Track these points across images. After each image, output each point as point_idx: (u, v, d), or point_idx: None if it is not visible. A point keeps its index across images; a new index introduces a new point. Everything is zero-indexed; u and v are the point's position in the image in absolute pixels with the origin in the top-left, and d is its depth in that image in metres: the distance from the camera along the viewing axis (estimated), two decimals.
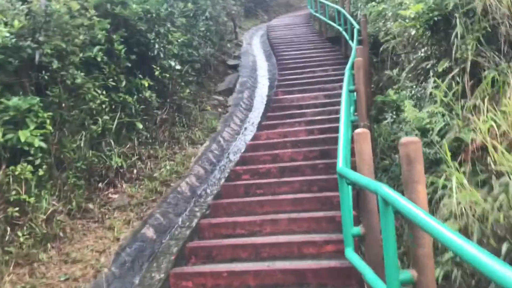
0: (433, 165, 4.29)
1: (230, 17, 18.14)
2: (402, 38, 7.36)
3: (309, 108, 9.31)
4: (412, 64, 6.13)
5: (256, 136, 8.20)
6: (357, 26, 9.67)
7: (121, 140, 7.26)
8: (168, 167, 7.38)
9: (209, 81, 12.18)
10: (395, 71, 6.52)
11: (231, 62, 14.14)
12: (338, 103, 9.31)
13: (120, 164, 6.85)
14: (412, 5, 5.32)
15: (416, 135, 4.62)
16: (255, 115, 10.51)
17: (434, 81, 5.26)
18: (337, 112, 8.98)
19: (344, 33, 12.54)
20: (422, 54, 5.66)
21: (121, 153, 7.06)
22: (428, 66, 5.55)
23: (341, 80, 10.98)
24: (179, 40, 9.33)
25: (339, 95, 9.89)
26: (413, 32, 5.25)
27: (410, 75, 6.21)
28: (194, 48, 10.89)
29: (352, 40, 11.53)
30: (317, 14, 16.80)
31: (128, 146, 7.31)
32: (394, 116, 5.42)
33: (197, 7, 10.66)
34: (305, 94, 10.16)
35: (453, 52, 4.78)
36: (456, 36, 4.74)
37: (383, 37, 9.78)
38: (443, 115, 4.58)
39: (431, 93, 5.36)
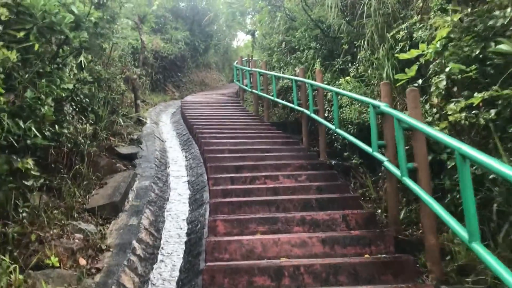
0: None
1: (130, 84, 12.74)
2: None
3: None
4: None
5: None
6: (384, 107, 4.81)
7: None
8: None
9: (75, 185, 6.27)
10: None
11: (124, 150, 8.40)
12: (366, 269, 3.97)
13: None
14: None
15: None
16: (165, 276, 4.74)
17: None
18: None
19: (316, 117, 7.68)
20: None
21: None
22: None
23: (333, 201, 5.90)
24: None
25: (350, 241, 4.65)
26: None
27: None
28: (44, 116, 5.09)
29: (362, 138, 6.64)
30: (256, 92, 12.04)
31: None
32: None
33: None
34: (278, 234, 4.76)
35: None
36: None
37: None
38: None
39: None
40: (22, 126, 4.44)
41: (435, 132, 3.56)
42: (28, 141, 4.75)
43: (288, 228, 4.97)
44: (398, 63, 7.85)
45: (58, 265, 4.32)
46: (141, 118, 11.50)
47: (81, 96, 7.96)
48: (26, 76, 4.80)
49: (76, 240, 4.86)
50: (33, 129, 4.59)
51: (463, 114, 4.61)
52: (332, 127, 6.80)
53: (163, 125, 12.34)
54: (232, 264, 4.15)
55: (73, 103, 7.50)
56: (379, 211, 5.99)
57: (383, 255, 4.27)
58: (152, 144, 9.25)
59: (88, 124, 7.81)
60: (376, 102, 5.12)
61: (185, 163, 8.50)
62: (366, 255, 4.28)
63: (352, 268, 4.04)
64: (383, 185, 6.80)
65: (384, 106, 4.85)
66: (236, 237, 4.64)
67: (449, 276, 4.08)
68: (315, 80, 8.26)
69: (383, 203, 6.19)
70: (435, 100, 4.86)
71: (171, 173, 7.96)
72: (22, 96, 4.79)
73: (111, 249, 4.90)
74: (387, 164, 4.74)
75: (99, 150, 7.52)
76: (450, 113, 4.88)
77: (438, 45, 5.38)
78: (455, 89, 4.91)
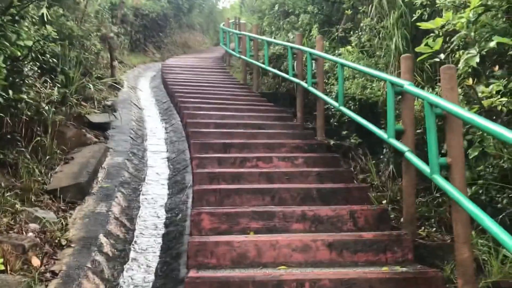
0: None
1: (107, 43, 11.54)
2: None
3: None
4: None
5: None
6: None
7: None
8: None
9: (35, 161, 5.35)
10: None
11: (96, 118, 7.42)
12: None
13: None
14: None
15: None
16: (137, 280, 3.93)
17: None
18: None
19: (314, 91, 6.82)
20: None
21: None
22: None
23: (337, 192, 5.10)
24: None
25: (362, 246, 3.87)
26: None
27: None
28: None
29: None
30: (245, 58, 11.03)
31: None
32: None
33: None
34: (274, 233, 3.99)
35: None
36: None
37: None
38: None
39: None
40: None
41: (491, 124, 2.75)
42: None
43: (286, 225, 4.19)
44: (409, 34, 7.03)
45: (2, 268, 3.47)
46: (116, 82, 10.42)
47: (48, 56, 6.89)
48: None
49: (30, 233, 3.98)
50: None
51: (505, 99, 3.85)
52: (335, 104, 5.97)
53: (141, 90, 11.30)
54: (221, 276, 3.36)
55: (36, 63, 6.41)
56: (384, 201, 5.29)
57: (405, 268, 3.54)
58: (128, 112, 8.28)
59: (55, 88, 6.76)
60: (397, 80, 4.29)
61: (164, 136, 7.59)
62: (385, 268, 3.54)
63: (369, 285, 3.31)
64: (385, 169, 6.10)
65: (408, 85, 4.02)
66: (225, 237, 3.84)
67: None
68: (313, 48, 7.37)
69: (388, 192, 5.49)
70: (469, 80, 4.05)
71: (149, 148, 7.05)
72: None
73: (72, 245, 4.05)
74: (409, 155, 3.96)
75: (66, 119, 6.53)
76: (481, 95, 4.12)
77: (471, 14, 4.55)
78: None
